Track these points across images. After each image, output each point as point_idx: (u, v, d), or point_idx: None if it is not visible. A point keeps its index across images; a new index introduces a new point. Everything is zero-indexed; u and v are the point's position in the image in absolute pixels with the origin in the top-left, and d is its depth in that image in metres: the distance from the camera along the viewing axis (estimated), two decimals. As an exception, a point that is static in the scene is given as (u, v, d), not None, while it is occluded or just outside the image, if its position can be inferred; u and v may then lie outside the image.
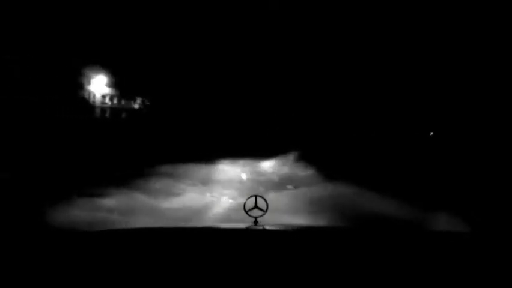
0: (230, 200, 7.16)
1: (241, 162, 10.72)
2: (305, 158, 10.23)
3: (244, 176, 9.35)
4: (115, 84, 43.52)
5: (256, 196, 2.00)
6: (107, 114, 43.68)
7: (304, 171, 9.20)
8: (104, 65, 39.91)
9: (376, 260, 1.44)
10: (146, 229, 1.94)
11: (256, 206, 1.97)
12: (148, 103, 43.15)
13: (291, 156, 10.63)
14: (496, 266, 1.40)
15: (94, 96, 43.10)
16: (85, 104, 39.16)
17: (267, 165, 10.10)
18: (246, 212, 1.96)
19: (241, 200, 2.19)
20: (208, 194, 7.57)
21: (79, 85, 39.88)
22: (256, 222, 1.91)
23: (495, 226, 4.78)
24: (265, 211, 1.97)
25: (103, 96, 44.76)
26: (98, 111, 43.11)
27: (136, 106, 45.34)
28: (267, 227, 1.88)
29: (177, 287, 1.20)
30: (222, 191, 7.85)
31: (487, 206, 5.76)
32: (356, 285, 1.23)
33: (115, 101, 46.50)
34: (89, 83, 42.37)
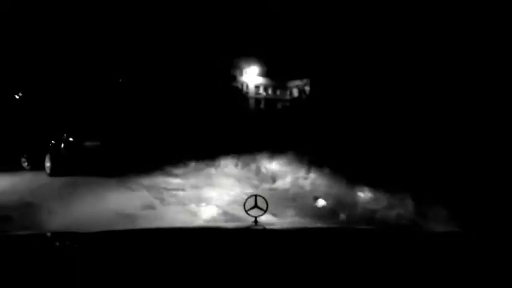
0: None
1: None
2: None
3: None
4: (268, 74, 42.99)
5: (256, 196, 1.87)
6: (261, 105, 42.92)
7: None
8: (257, 54, 38.53)
9: (376, 260, 1.38)
10: (146, 230, 1.89)
11: (256, 206, 1.83)
12: (306, 93, 41.04)
13: None
14: (495, 266, 1.33)
15: (247, 87, 42.92)
16: (238, 95, 37.79)
17: None
18: (246, 211, 1.82)
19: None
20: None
21: (232, 77, 39.16)
22: (256, 221, 1.78)
23: (495, 226, 4.71)
24: (265, 210, 1.83)
25: (257, 87, 44.58)
26: (252, 102, 42.41)
27: (292, 96, 43.33)
28: (267, 227, 1.83)
29: (177, 287, 1.14)
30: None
31: (487, 205, 5.52)
32: (356, 286, 1.17)
33: (270, 91, 46.30)
34: (241, 74, 41.99)
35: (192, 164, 10.53)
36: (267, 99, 44.06)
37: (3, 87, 16.03)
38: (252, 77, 43.24)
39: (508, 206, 5.39)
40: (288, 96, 46.27)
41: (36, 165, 9.61)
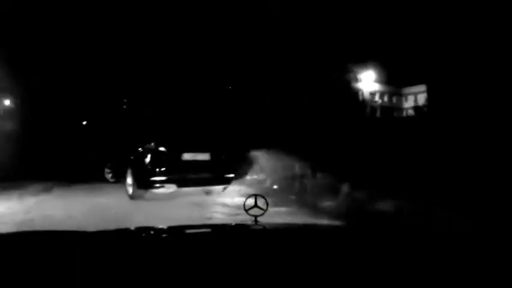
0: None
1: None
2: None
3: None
4: (383, 80, 39.82)
5: (256, 195, 1.84)
6: (377, 114, 38.87)
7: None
8: (372, 59, 35.60)
9: (376, 260, 1.34)
10: (146, 228, 1.86)
11: (256, 205, 1.78)
12: (425, 102, 36.64)
13: None
14: (495, 267, 1.28)
15: (363, 94, 39.17)
16: (354, 103, 33.95)
17: None
18: (246, 211, 1.73)
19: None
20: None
21: (346, 83, 35.66)
22: (256, 221, 1.71)
23: (494, 226, 4.64)
24: (265, 210, 1.75)
25: (372, 94, 40.93)
26: (367, 110, 38.37)
27: (409, 104, 39.64)
28: (267, 226, 1.77)
29: (176, 286, 1.09)
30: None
31: (486, 205, 5.29)
32: (356, 285, 1.14)
33: (385, 98, 43.24)
34: (356, 81, 38.43)
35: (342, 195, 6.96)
36: (382, 107, 40.25)
37: (91, 87, 14.38)
38: (367, 83, 39.58)
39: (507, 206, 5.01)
40: (404, 105, 42.23)
41: (123, 177, 6.80)
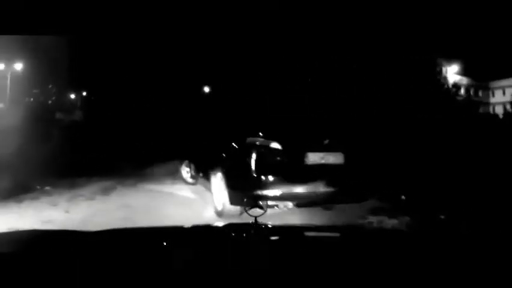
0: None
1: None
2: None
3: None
4: (468, 72, 36.30)
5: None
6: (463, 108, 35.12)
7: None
8: (457, 50, 33.08)
9: (376, 260, 1.31)
10: (145, 228, 1.82)
11: (256, 205, 1.65)
12: None
13: None
14: (494, 267, 1.23)
15: (448, 87, 35.85)
16: (440, 96, 30.35)
17: None
18: (246, 211, 1.60)
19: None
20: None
21: (433, 77, 32.70)
22: (256, 221, 1.61)
23: (494, 227, 4.15)
24: (265, 210, 1.63)
25: (455, 87, 37.38)
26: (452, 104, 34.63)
27: (496, 100, 37.85)
28: (267, 226, 1.71)
29: (176, 286, 1.06)
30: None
31: (486, 206, 4.86)
32: (356, 285, 1.10)
33: (471, 92, 39.72)
34: (440, 73, 35.30)
35: None
36: (469, 102, 36.38)
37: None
38: (451, 76, 36.26)
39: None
40: (491, 99, 39.23)
41: (207, 181, 4.67)
